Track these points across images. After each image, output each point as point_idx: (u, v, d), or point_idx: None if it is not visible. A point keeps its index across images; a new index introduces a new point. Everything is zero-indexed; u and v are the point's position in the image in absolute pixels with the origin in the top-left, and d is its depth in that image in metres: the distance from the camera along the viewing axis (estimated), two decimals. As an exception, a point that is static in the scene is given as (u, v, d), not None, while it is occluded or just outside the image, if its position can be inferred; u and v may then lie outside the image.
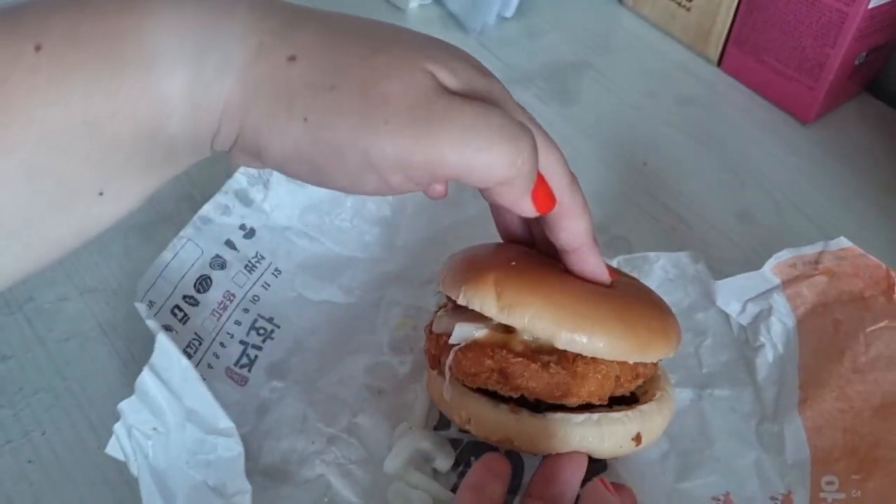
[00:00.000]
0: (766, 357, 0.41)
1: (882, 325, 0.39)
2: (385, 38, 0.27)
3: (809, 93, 0.56)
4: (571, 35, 0.66)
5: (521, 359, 0.32)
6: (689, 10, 0.62)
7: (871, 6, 0.51)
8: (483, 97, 0.27)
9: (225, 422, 0.35)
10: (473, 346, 0.33)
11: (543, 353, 0.32)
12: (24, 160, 0.22)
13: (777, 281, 0.42)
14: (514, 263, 0.32)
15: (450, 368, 0.33)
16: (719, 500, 0.37)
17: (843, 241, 0.41)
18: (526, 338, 0.32)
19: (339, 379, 0.41)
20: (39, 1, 0.23)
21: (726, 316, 0.43)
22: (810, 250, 0.41)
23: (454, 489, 0.36)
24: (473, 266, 0.33)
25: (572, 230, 0.31)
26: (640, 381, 0.34)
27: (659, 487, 0.37)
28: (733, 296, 0.43)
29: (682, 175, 0.54)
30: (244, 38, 0.25)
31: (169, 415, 0.35)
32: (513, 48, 0.65)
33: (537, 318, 0.31)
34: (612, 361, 0.32)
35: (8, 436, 0.40)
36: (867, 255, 0.40)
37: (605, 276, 0.33)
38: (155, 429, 0.35)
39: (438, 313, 0.36)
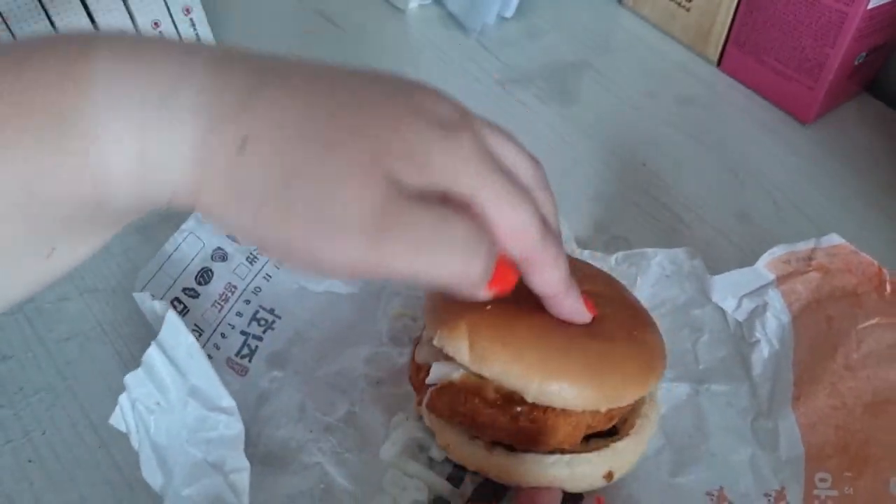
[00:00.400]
0: (762, 353, 0.41)
1: (874, 321, 0.39)
2: (347, 123, 0.25)
3: (809, 93, 0.56)
4: (571, 35, 0.66)
5: (491, 410, 0.32)
6: (688, 10, 0.62)
7: (870, 6, 0.51)
8: (450, 192, 0.26)
9: (227, 400, 0.35)
10: (449, 387, 0.33)
11: (515, 402, 0.32)
12: None
13: (771, 277, 0.42)
14: (489, 308, 0.32)
15: (427, 406, 0.34)
16: (713, 495, 0.37)
17: (834, 238, 0.41)
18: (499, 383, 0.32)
19: (339, 369, 0.42)
20: None
21: (723, 312, 0.43)
22: (803, 246, 0.42)
23: (449, 478, 0.37)
24: (451, 306, 0.33)
25: (544, 281, 0.31)
26: (615, 421, 0.35)
27: (654, 482, 0.37)
28: (729, 291, 0.43)
29: (682, 175, 0.54)
30: (194, 116, 0.23)
31: (173, 391, 0.35)
32: (513, 48, 0.65)
33: (507, 371, 0.31)
34: (583, 411, 0.32)
35: (8, 435, 0.40)
36: (859, 253, 0.41)
37: (583, 319, 0.33)
38: (158, 403, 0.35)
39: (422, 338, 0.37)
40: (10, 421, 0.40)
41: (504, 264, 0.29)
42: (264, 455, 0.38)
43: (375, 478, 0.37)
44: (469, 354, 0.32)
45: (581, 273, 0.35)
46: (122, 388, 0.41)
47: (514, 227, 0.28)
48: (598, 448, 0.34)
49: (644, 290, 0.44)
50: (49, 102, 0.22)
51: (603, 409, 0.33)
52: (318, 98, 0.25)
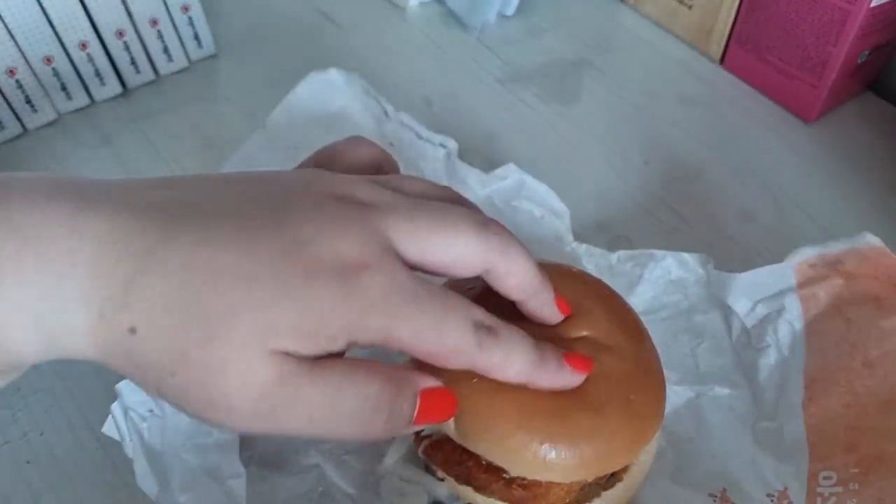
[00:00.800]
0: (769, 359, 0.40)
1: None
2: (231, 300, 0.24)
3: (812, 91, 0.56)
4: (572, 34, 0.66)
5: (484, 474, 0.32)
6: (690, 8, 0.62)
7: (873, 4, 0.50)
8: (360, 342, 0.26)
9: None
10: (445, 442, 0.33)
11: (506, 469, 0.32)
12: None
13: (793, 282, 0.41)
14: (475, 381, 0.30)
15: (423, 454, 0.34)
16: (716, 496, 0.37)
17: (869, 238, 0.40)
18: None
19: None
20: None
21: (726, 321, 0.42)
22: (835, 249, 0.40)
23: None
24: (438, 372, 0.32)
25: (505, 378, 0.29)
26: (609, 475, 0.34)
27: (656, 485, 0.37)
28: (746, 294, 0.41)
29: (684, 174, 0.54)
30: (85, 304, 0.24)
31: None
32: (513, 47, 0.64)
33: (490, 450, 0.31)
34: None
35: (6, 436, 0.40)
36: (891, 255, 0.39)
37: (570, 385, 0.31)
38: (151, 411, 0.35)
39: None
40: (7, 422, 0.40)
41: (435, 393, 0.28)
42: (262, 457, 0.38)
43: (374, 481, 0.37)
44: (454, 429, 0.31)
45: (578, 303, 0.34)
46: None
47: (443, 352, 0.27)
48: (590, 499, 0.33)
49: (646, 294, 0.43)
50: None
51: (591, 480, 0.32)
52: (200, 272, 0.24)
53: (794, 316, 0.40)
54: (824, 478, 0.36)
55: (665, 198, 0.52)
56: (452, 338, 0.27)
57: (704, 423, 0.39)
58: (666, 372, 0.36)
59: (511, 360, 0.28)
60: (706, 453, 0.38)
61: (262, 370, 0.24)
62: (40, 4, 0.51)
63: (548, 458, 0.30)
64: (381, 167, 0.34)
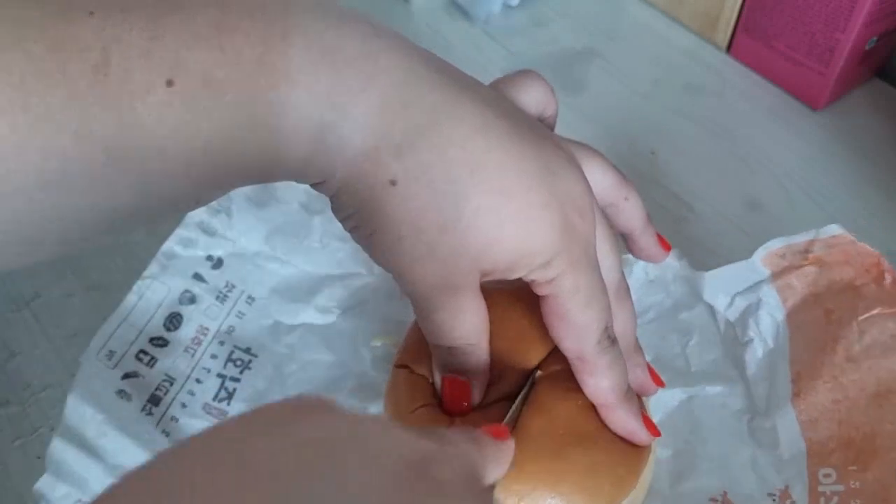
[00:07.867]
0: (756, 352, 0.40)
1: (875, 312, 0.38)
2: (477, 209, 0.26)
3: (820, 79, 0.56)
4: (578, 23, 0.66)
5: None
6: (696, -4, 0.62)
7: (881, -10, 0.50)
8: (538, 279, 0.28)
9: None
10: None
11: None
12: (140, 179, 0.23)
13: (767, 273, 0.41)
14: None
15: None
16: (717, 500, 0.36)
17: (834, 229, 0.40)
18: None
19: None
20: (178, 24, 0.22)
21: (711, 314, 0.42)
22: (801, 239, 0.40)
23: None
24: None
25: (591, 387, 0.30)
26: None
27: (655, 493, 0.36)
28: (721, 289, 0.41)
29: (691, 164, 0.54)
30: (366, 130, 0.24)
31: (91, 480, 0.34)
32: (519, 37, 0.64)
33: (498, 498, 0.30)
34: None
35: (17, 432, 0.40)
36: (857, 243, 0.39)
37: (638, 438, 0.32)
38: (80, 501, 0.34)
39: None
40: (18, 418, 0.40)
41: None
42: None
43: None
44: None
45: (538, 333, 0.34)
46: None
47: (574, 322, 0.29)
48: None
49: None
50: (244, 80, 0.23)
51: None
52: (471, 161, 0.25)
53: (773, 307, 0.40)
54: (824, 475, 0.36)
55: (672, 187, 0.52)
56: (589, 318, 0.28)
57: (699, 425, 0.38)
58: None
59: (610, 374, 0.30)
60: (703, 456, 0.37)
61: (454, 280, 0.27)
62: None
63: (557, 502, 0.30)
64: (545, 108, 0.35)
